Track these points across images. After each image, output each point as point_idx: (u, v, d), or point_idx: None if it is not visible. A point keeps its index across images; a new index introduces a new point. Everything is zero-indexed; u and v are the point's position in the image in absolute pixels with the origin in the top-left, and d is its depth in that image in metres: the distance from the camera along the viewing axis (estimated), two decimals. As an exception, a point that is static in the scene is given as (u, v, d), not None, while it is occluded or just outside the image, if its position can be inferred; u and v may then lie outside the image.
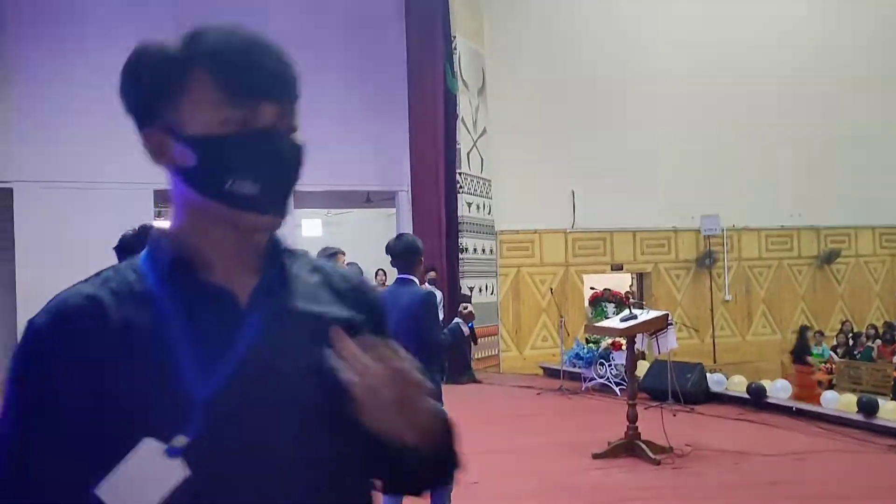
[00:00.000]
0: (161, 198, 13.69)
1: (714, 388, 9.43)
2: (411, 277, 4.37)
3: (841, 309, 15.90)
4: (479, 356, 12.48)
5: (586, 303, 12.89)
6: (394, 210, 15.07)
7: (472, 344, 4.51)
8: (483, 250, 13.25)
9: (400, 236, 4.73)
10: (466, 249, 12.75)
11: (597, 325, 7.86)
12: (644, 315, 7.05)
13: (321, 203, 16.43)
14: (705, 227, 14.65)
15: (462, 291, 12.14)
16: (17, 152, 12.32)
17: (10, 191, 12.39)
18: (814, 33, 15.48)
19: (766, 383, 9.22)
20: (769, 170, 15.16)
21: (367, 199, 15.47)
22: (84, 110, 12.50)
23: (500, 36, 13.86)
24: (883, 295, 16.33)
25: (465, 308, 4.50)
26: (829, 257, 15.84)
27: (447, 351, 4.36)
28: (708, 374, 9.66)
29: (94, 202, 12.55)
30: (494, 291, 13.51)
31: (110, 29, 12.69)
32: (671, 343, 6.88)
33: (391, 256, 4.47)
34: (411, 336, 4.07)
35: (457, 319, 4.44)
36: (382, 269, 12.23)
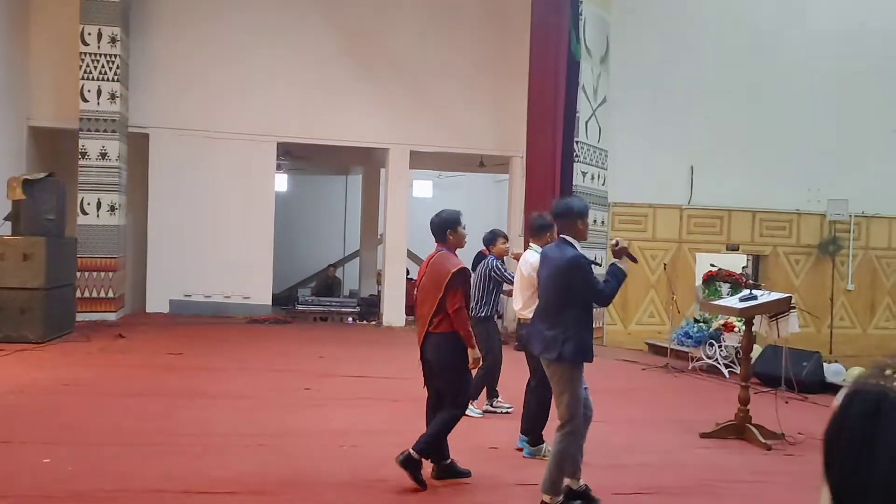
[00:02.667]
0: (283, 150, 14.16)
1: (831, 378, 9.06)
2: (569, 238, 4.63)
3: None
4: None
5: (698, 281, 12.56)
6: (505, 176, 15.05)
7: (634, 262, 4.73)
8: (595, 221, 13.08)
9: (560, 199, 5.00)
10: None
11: (713, 303, 7.66)
12: (764, 297, 6.83)
13: (435, 164, 16.61)
14: (832, 211, 13.95)
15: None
16: (154, 101, 12.99)
17: (147, 136, 13.07)
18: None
19: (888, 378, 8.78)
20: (907, 155, 14.26)
21: (481, 164, 15.51)
22: (216, 64, 13.04)
23: (628, 4, 13.48)
24: None
25: (616, 244, 4.67)
26: None
27: (613, 294, 4.57)
28: (825, 364, 9.29)
29: (221, 150, 13.11)
30: (603, 263, 13.35)
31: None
32: (793, 327, 6.64)
33: (554, 217, 4.79)
34: (559, 291, 4.51)
35: (613, 260, 4.65)
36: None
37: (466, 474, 5.09)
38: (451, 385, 4.90)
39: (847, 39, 14.04)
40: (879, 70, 14.12)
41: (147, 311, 13.05)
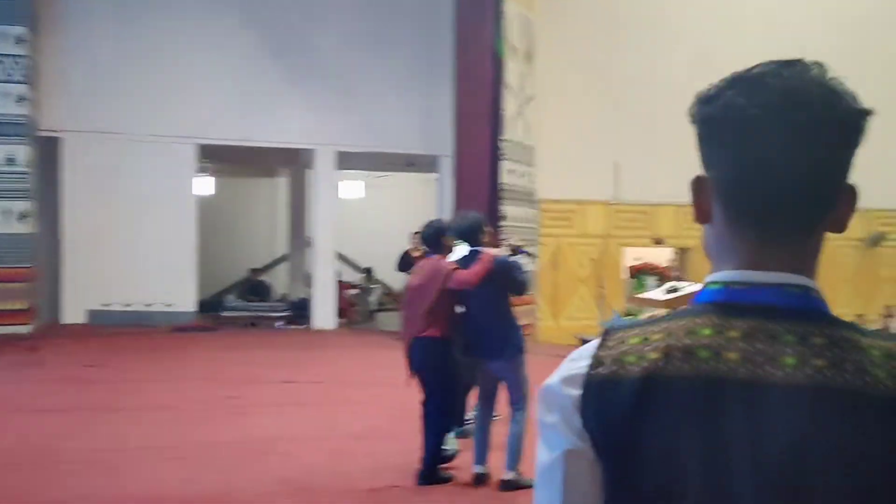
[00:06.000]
0: (204, 153, 13.77)
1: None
2: (480, 250, 5.16)
3: (886, 294, 15.51)
4: (515, 324, 12.42)
5: (626, 275, 12.74)
6: (435, 175, 14.99)
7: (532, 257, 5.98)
8: (524, 219, 13.14)
9: (465, 217, 5.58)
10: (507, 217, 12.63)
11: (639, 296, 7.75)
12: (688, 288, 6.94)
13: (364, 165, 16.42)
14: (750, 204, 14.36)
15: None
16: (66, 103, 12.47)
17: (61, 140, 12.56)
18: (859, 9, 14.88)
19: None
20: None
21: (410, 163, 15.40)
22: (133, 65, 12.59)
23: (554, 1, 13.60)
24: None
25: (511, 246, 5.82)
26: (876, 240, 15.44)
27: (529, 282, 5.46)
28: (748, 353, 9.52)
29: (138, 154, 12.68)
30: (533, 260, 13.42)
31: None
32: (716, 317, 6.77)
33: (457, 235, 5.28)
34: (506, 291, 5.16)
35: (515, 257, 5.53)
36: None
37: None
38: (437, 389, 5.04)
39: (773, 39, 14.44)
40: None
41: (62, 322, 12.50)
